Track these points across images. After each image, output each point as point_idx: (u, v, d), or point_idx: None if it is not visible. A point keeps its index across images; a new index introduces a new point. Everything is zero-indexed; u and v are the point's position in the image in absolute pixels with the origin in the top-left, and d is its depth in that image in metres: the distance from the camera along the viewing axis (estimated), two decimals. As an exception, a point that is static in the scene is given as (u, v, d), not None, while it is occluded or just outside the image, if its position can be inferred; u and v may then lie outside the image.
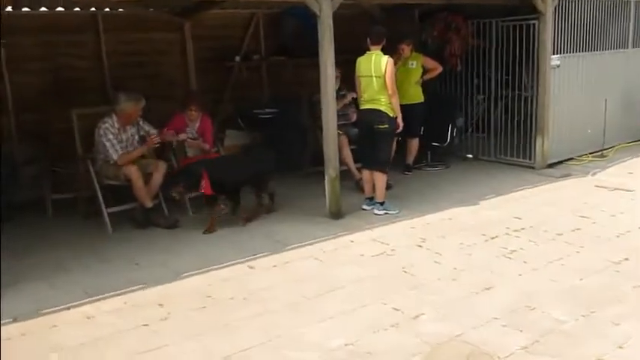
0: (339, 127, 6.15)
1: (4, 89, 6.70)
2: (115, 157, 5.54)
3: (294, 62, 8.67)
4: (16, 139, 6.80)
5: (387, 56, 5.66)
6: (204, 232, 5.41)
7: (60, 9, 6.86)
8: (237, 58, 8.08)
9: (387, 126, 5.71)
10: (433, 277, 4.29)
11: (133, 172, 5.45)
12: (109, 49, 7.28)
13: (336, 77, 7.01)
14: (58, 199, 6.29)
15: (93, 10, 7.15)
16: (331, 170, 5.61)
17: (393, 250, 4.85)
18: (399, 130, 5.87)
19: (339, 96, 6.92)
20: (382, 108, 5.68)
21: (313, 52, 8.82)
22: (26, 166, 6.80)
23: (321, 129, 6.99)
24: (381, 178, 5.81)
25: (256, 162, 5.92)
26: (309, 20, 8.59)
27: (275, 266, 4.59)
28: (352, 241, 5.11)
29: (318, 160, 7.25)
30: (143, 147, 5.72)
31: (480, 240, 5.03)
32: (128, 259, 4.86)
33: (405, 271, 4.41)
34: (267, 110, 7.74)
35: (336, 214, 5.68)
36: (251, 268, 4.57)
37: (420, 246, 4.93)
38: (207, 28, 7.87)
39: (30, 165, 6.80)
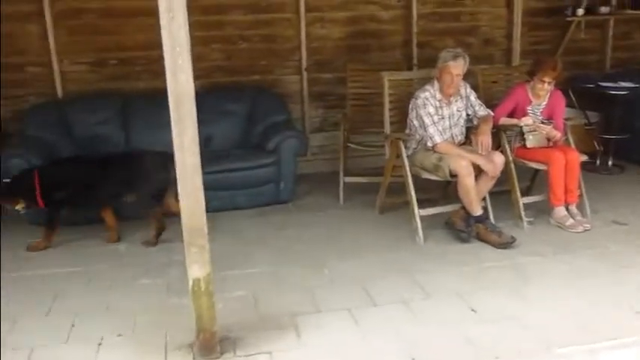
0: None
1: (299, 41, 5.73)
2: (437, 139, 4.11)
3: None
4: (308, 102, 5.85)
5: None
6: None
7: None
8: (580, 11, 6.03)
9: None
10: None
11: (464, 168, 3.93)
12: (420, -4, 5.88)
13: None
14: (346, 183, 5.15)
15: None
16: None
17: None
18: None
19: None
20: None
21: None
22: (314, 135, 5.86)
23: None
24: None
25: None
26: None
27: None
28: None
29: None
30: (467, 153, 4.08)
31: None
32: (458, 297, 3.40)
33: None
34: (622, 84, 5.61)
35: None
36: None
37: None
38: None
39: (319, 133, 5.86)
